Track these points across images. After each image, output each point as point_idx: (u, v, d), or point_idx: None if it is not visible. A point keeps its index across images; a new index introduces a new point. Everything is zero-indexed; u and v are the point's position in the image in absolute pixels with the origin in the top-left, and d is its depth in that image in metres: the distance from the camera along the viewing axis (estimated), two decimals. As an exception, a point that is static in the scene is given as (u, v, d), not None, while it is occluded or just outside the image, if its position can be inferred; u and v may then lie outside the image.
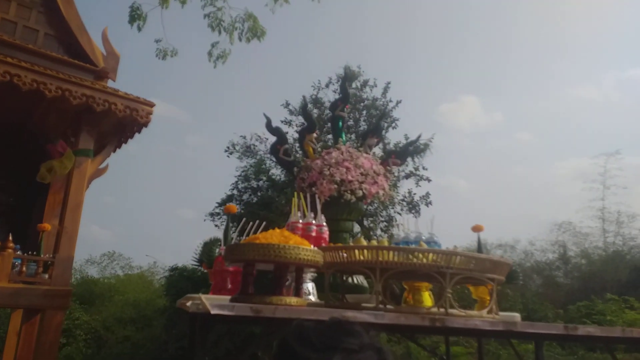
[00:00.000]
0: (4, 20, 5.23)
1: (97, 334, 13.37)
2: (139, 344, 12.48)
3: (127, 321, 13.73)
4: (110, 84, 5.44)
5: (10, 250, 4.36)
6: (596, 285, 13.48)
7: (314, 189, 3.71)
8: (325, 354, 0.72)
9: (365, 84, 14.13)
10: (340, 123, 4.32)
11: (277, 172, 12.79)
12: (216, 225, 12.82)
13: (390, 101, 13.95)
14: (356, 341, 0.74)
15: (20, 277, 4.44)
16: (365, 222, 12.56)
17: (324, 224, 3.34)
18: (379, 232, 12.49)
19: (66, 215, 4.72)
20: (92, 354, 12.64)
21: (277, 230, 2.59)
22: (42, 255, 4.64)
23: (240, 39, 6.63)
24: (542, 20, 35.24)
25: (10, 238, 4.44)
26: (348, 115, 13.31)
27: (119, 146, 5.92)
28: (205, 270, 3.52)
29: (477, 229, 3.71)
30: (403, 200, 13.10)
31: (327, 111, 12.39)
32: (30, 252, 4.65)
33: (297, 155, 5.80)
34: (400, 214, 12.92)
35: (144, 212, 32.88)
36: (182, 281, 12.09)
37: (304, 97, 5.36)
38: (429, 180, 13.22)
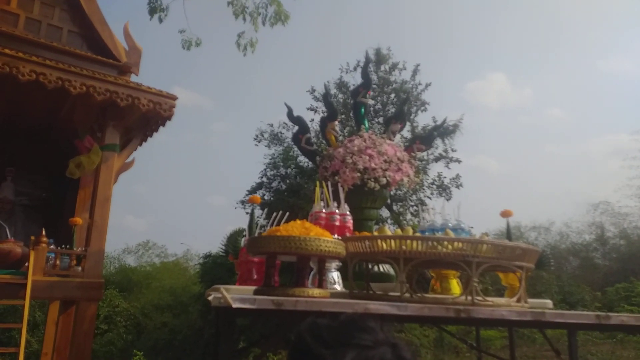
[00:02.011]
0: (29, 20, 5.33)
1: (136, 320, 13.77)
2: (176, 329, 12.79)
3: (164, 308, 14.06)
4: (133, 78, 5.51)
5: (44, 245, 4.49)
6: (636, 266, 13.04)
7: (336, 177, 3.67)
8: (339, 350, 0.70)
9: (394, 66, 13.88)
10: (363, 110, 4.25)
11: (304, 159, 12.80)
12: (247, 213, 12.91)
13: (420, 84, 13.69)
14: (370, 337, 0.72)
15: (54, 270, 4.57)
16: (394, 207, 12.46)
17: (348, 212, 3.31)
18: (409, 216, 12.38)
19: (95, 209, 4.83)
20: (132, 340, 13.02)
21: (299, 221, 2.57)
22: (74, 249, 4.77)
23: (264, 24, 6.59)
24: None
25: (44, 232, 4.57)
26: (376, 99, 13.13)
27: (145, 140, 6.00)
28: (232, 261, 3.54)
29: (506, 214, 3.59)
30: (433, 183, 12.91)
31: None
32: (63, 246, 4.78)
33: (322, 143, 5.76)
34: (430, 198, 12.76)
35: (176, 200, 33.59)
36: (215, 268, 12.29)
37: (325, 84, 5.31)
38: (459, 162, 12.97)
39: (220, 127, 35.06)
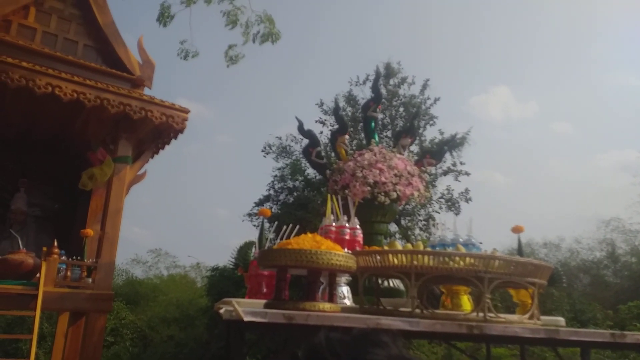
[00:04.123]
0: (46, 33, 5.45)
1: (142, 333, 13.73)
2: (182, 343, 12.74)
3: (171, 321, 14.02)
4: (146, 91, 5.58)
5: (55, 256, 4.53)
6: (648, 284, 12.84)
7: (346, 191, 3.67)
8: None
9: (403, 80, 13.91)
10: (373, 124, 4.26)
11: (312, 171, 12.79)
12: (254, 225, 12.95)
13: (428, 98, 13.69)
14: (384, 352, 0.71)
15: (65, 281, 4.61)
16: (402, 222, 12.39)
17: (358, 226, 3.30)
18: (417, 231, 12.30)
19: (107, 221, 4.88)
20: (139, 353, 12.98)
21: (310, 235, 2.57)
22: (85, 260, 4.80)
23: (254, 41, 6.75)
24: (579, 1, 33.74)
25: (56, 244, 4.60)
26: (384, 112, 13.15)
27: (157, 152, 6.07)
28: (241, 274, 3.54)
29: (517, 230, 3.56)
30: (442, 197, 12.84)
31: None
32: (74, 257, 4.81)
33: (331, 156, 5.77)
34: (439, 212, 12.66)
35: (182, 212, 33.50)
36: (222, 281, 12.27)
37: (336, 98, 5.30)
38: (468, 174, 12.89)
39: (225, 139, 35.16)
